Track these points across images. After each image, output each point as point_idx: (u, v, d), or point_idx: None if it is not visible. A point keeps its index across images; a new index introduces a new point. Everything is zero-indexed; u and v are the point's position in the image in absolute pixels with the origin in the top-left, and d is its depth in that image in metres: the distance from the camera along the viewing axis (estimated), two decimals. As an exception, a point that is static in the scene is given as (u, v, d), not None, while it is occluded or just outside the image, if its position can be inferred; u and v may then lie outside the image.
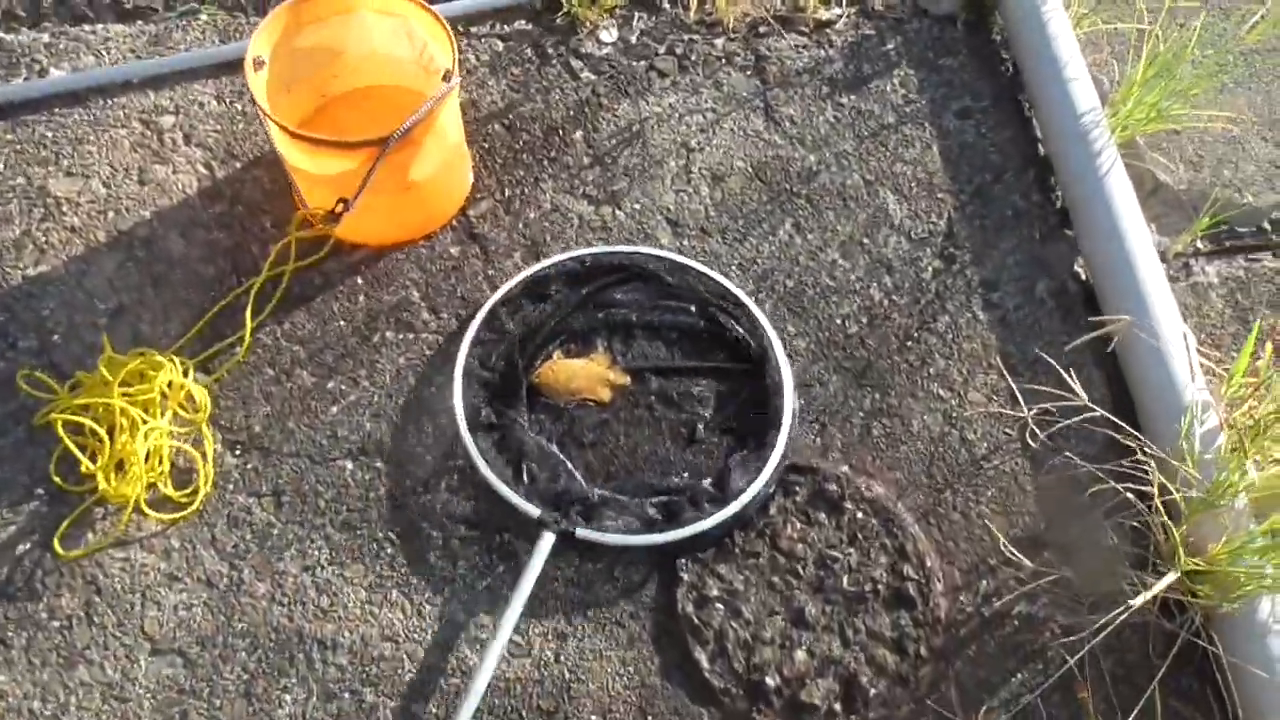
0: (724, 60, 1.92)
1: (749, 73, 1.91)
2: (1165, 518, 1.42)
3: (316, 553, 1.49)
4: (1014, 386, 1.63)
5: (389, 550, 1.50)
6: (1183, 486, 1.40)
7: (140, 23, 1.87)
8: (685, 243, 1.75)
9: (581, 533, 1.47)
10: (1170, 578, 1.34)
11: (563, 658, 1.44)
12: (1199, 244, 1.81)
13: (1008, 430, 1.62)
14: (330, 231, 1.63)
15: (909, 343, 1.68)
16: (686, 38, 1.94)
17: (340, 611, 1.46)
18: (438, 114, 1.53)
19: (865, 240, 1.77)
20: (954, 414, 1.63)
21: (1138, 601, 1.33)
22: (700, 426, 1.59)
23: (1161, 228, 1.82)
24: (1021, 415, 1.60)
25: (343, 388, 1.60)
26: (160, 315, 1.63)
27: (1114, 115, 1.80)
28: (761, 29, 1.96)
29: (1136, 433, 1.48)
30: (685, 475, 1.55)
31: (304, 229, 1.64)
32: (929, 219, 1.79)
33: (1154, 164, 1.87)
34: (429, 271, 1.70)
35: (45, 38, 1.84)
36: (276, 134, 1.51)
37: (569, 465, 1.54)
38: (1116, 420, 1.49)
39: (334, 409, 1.58)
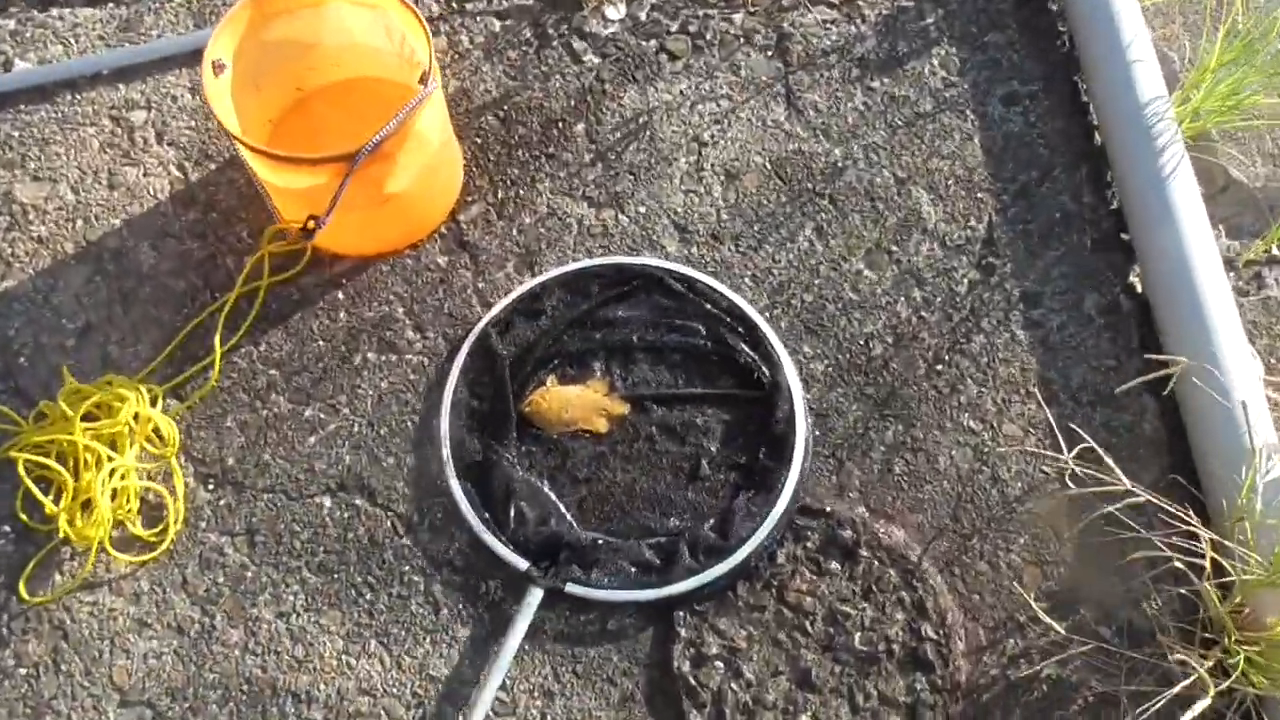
0: (743, 39, 1.73)
1: (770, 53, 1.72)
2: (1218, 590, 1.27)
3: (292, 598, 1.40)
4: (1052, 420, 1.47)
5: (367, 596, 1.41)
6: (1240, 562, 1.24)
7: (110, 5, 1.74)
8: (694, 251, 1.59)
9: (571, 588, 1.36)
10: (1203, 704, 1.20)
11: (550, 718, 1.35)
12: (1275, 250, 1.61)
13: (1045, 469, 1.47)
14: (305, 246, 1.51)
15: (939, 366, 1.53)
16: (702, 13, 1.75)
17: (316, 662, 1.37)
18: (414, 121, 1.39)
19: (894, 248, 1.60)
20: (985, 449, 1.48)
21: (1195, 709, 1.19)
22: (704, 462, 1.46)
23: (1231, 231, 1.62)
24: (1060, 452, 1.43)
25: (321, 416, 1.50)
26: (130, 335, 1.54)
27: (1183, 103, 1.59)
28: (785, 1, 1.76)
29: (1192, 491, 1.32)
30: (686, 517, 1.43)
31: (278, 241, 1.52)
32: (966, 223, 1.61)
33: (1225, 157, 1.66)
34: (414, 285, 1.57)
35: (11, 24, 1.72)
36: (239, 145, 1.38)
37: (560, 506, 1.43)
38: (1159, 501, 1.31)
39: (311, 439, 1.48)
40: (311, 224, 1.41)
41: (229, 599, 1.40)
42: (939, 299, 1.57)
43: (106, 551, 1.40)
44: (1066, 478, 1.41)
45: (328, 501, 1.45)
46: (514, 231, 1.60)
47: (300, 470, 1.46)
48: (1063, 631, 1.36)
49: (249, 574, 1.41)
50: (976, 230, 1.61)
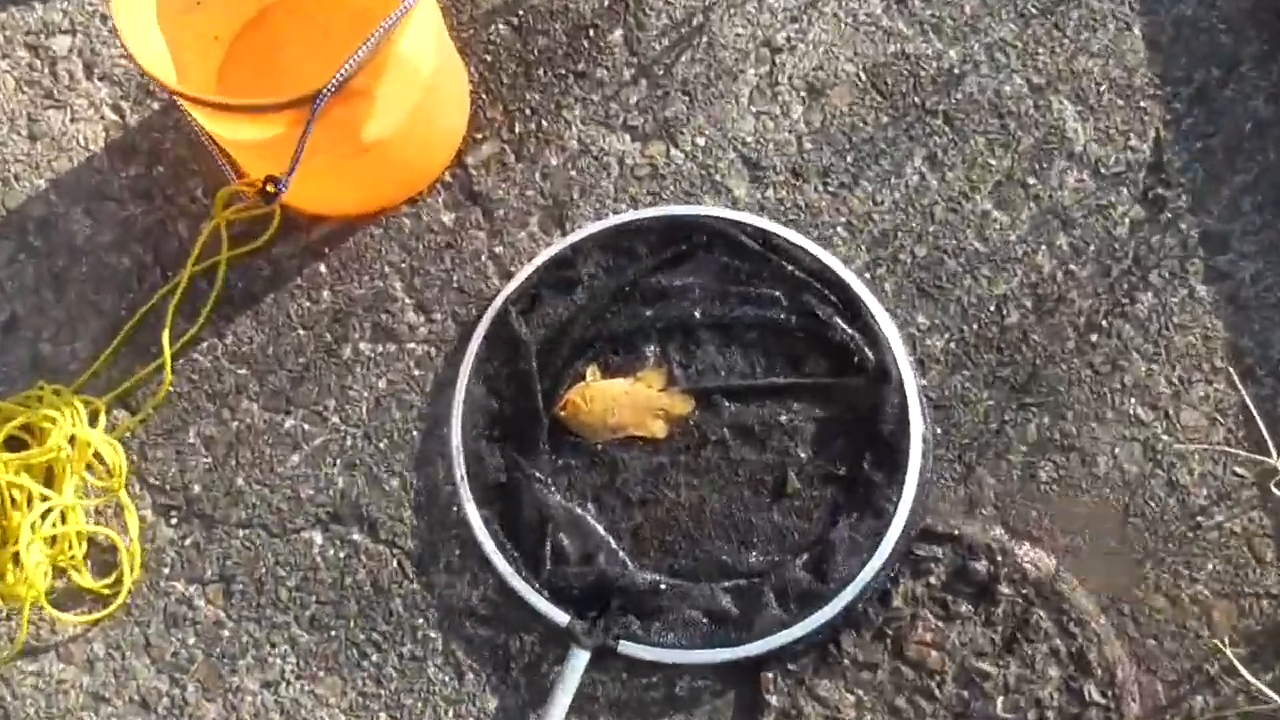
0: (824, -95, 1.34)
1: (860, -77, 1.33)
2: None
3: (279, 661, 1.13)
4: (1249, 402, 1.13)
5: (373, 657, 1.13)
6: None
7: (16, -99, 1.38)
8: (769, 194, 1.24)
9: (625, 647, 1.07)
10: None
11: (606, 808, 1.08)
12: None
13: (1239, 471, 1.13)
14: (271, 210, 1.18)
15: (1094, 337, 1.18)
16: (769, -127, 1.35)
17: (313, 742, 1.11)
18: (395, 44, 1.04)
19: (1031, 180, 1.24)
20: (1159, 446, 1.15)
21: None
22: (792, 474, 1.14)
23: None
24: (1259, 446, 1.10)
25: (305, 427, 1.20)
26: (65, 328, 1.24)
27: None
28: None
29: None
30: (771, 548, 1.13)
31: (235, 206, 1.20)
32: (1126, 142, 1.24)
33: None
34: (414, 252, 1.24)
35: (-106, -68, 1.37)
36: (167, 91, 1.04)
37: (609, 538, 1.13)
38: None
39: (294, 457, 1.19)
40: (271, 187, 1.08)
41: (202, 665, 1.14)
42: (1092, 246, 1.21)
43: (45, 611, 1.12)
44: (1272, 484, 1.08)
45: (318, 537, 1.17)
46: (537, 176, 1.26)
47: (282, 498, 1.18)
48: (1267, 690, 1.05)
49: (225, 632, 1.14)
50: (1139, 151, 1.24)
